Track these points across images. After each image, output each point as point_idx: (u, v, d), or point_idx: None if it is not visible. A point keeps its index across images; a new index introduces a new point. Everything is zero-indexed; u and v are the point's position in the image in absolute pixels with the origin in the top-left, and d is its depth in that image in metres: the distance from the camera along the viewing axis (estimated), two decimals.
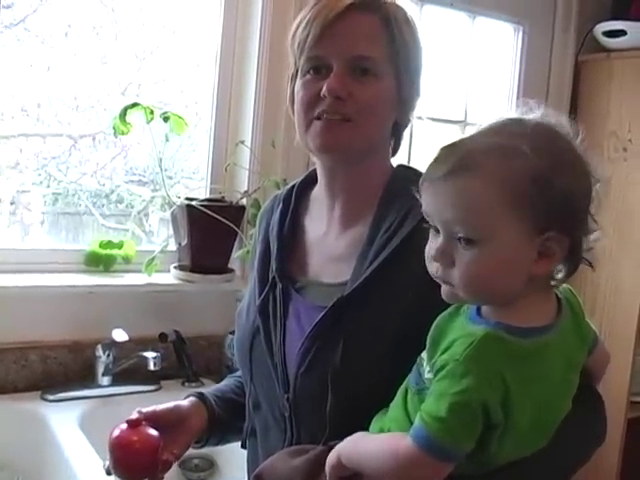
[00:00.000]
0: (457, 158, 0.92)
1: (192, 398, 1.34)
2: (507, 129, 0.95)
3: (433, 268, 0.96)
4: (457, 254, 0.92)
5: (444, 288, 0.96)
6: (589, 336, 1.04)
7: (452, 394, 0.89)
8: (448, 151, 0.95)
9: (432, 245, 0.96)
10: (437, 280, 0.97)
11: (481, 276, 0.92)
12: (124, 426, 1.18)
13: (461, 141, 0.97)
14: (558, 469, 1.08)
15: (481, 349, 0.90)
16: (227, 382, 1.45)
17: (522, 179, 0.89)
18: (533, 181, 0.89)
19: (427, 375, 0.97)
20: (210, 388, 1.42)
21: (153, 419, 1.22)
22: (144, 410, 1.23)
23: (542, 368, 0.94)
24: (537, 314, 0.96)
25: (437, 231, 0.95)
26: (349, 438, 1.02)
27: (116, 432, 1.18)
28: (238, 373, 1.44)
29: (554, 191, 0.90)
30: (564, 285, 1.01)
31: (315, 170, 1.32)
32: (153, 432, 1.20)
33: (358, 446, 1.00)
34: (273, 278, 1.26)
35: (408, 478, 0.94)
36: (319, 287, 1.23)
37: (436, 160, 0.96)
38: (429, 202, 0.95)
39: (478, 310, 0.97)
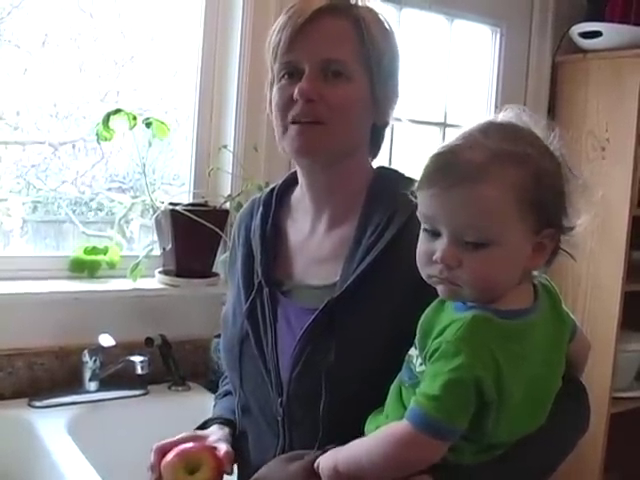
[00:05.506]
0: (467, 166, 0.94)
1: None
2: (507, 133, 0.98)
3: (435, 270, 0.97)
4: (465, 256, 0.95)
5: (445, 287, 0.98)
6: (569, 321, 1.08)
7: (445, 372, 0.92)
8: (451, 158, 0.96)
9: (431, 247, 0.98)
10: (439, 280, 0.98)
11: (490, 275, 0.95)
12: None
13: (460, 147, 0.97)
14: (546, 458, 1.10)
15: (471, 329, 0.93)
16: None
17: (530, 183, 0.93)
18: (538, 183, 0.94)
19: (419, 368, 0.99)
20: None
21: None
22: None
23: (529, 347, 0.97)
24: (518, 299, 1.00)
25: (436, 235, 0.97)
26: (342, 446, 1.03)
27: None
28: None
29: (552, 190, 0.96)
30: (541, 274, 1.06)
31: (295, 173, 1.32)
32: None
33: (353, 449, 1.01)
34: (259, 283, 1.26)
35: (404, 461, 0.96)
36: (306, 289, 1.23)
37: (438, 168, 0.97)
38: (435, 208, 0.96)
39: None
